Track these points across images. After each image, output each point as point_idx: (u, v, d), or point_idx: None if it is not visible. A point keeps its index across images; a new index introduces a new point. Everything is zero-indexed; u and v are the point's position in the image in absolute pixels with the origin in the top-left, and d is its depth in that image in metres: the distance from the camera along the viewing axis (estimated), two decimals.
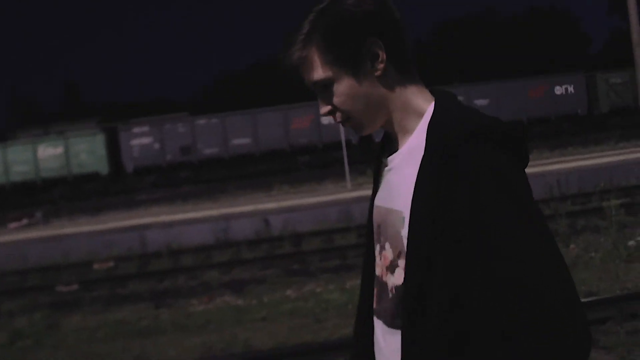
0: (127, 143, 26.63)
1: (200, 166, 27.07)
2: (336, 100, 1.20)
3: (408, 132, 1.22)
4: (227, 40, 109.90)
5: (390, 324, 1.22)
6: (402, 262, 1.18)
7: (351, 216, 12.22)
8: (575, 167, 14.51)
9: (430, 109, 1.20)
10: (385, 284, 1.25)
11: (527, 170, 1.18)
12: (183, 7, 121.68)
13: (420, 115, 1.20)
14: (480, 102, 27.26)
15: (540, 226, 1.08)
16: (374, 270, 1.31)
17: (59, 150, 26.53)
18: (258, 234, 11.82)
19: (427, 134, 1.15)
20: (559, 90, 27.72)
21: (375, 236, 1.31)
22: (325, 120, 27.52)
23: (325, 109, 1.23)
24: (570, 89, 27.73)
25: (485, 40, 39.47)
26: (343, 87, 1.19)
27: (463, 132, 1.10)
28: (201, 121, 27.11)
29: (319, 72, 1.19)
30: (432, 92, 1.24)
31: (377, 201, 1.31)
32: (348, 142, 27.32)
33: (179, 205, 18.46)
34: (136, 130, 26.84)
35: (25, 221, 18.68)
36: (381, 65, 1.18)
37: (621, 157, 15.21)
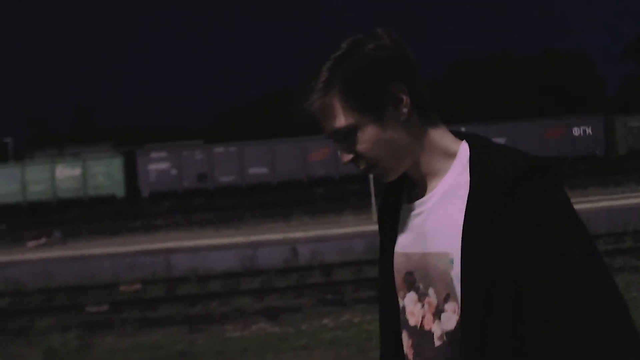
0: (145, 167, 26.74)
1: (216, 194, 27.10)
2: (360, 147, 1.16)
3: (439, 174, 1.19)
4: (243, 69, 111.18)
5: None
6: (450, 306, 1.14)
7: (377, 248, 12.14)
8: (603, 207, 14.43)
9: (463, 148, 1.18)
10: (428, 333, 1.18)
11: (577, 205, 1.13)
12: (202, 33, 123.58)
13: (451, 155, 1.18)
14: (497, 140, 27.28)
15: (602, 263, 1.06)
16: (397, 322, 1.26)
17: (77, 171, 26.67)
18: (286, 263, 11.73)
19: (471, 172, 1.13)
20: (576, 131, 27.76)
21: (400, 284, 1.25)
22: None
23: (347, 157, 1.18)
24: (589, 130, 27.77)
25: (501, 81, 39.75)
26: (368, 134, 1.15)
27: (522, 169, 1.07)
28: (219, 149, 27.24)
29: (342, 120, 1.14)
30: (457, 135, 1.23)
31: (403, 248, 1.25)
32: (365, 175, 27.52)
33: (198, 232, 18.42)
34: (154, 155, 26.98)
35: (43, 240, 18.66)
36: (405, 110, 1.16)
37: None
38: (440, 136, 1.20)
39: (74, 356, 7.44)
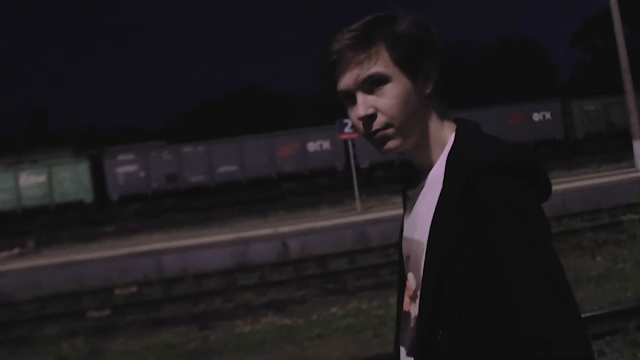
0: (112, 171, 26.33)
1: (186, 194, 26.91)
2: (384, 102, 1.16)
3: (431, 163, 1.22)
4: (204, 68, 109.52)
5: (409, 352, 1.23)
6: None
7: (367, 238, 12.38)
8: (574, 188, 15.01)
9: (451, 139, 1.21)
10: (408, 314, 1.25)
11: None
12: (159, 31, 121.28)
13: (444, 145, 1.21)
14: None
15: (552, 264, 1.05)
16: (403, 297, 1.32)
17: (42, 178, 26.05)
18: (279, 257, 11.84)
19: (445, 165, 1.16)
20: (536, 117, 28.63)
21: (405, 267, 1.30)
22: (312, 147, 27.81)
23: (366, 110, 1.16)
24: (548, 115, 28.68)
25: (459, 71, 40.53)
26: (397, 90, 1.15)
27: (482, 165, 1.08)
28: (187, 149, 27.03)
29: (381, 66, 1.15)
30: (455, 121, 1.25)
31: (405, 232, 1.31)
32: (333, 169, 27.75)
33: (176, 233, 18.30)
34: (121, 157, 26.58)
35: (17, 250, 18.24)
36: (431, 86, 1.19)
37: (615, 178, 15.80)
38: (444, 126, 1.22)
39: None
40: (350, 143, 19.09)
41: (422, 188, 1.23)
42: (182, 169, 26.71)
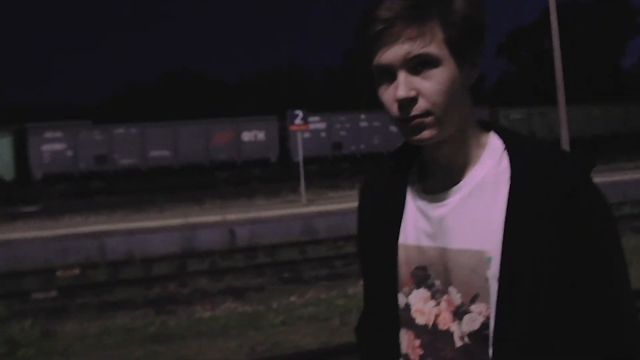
0: (37, 148, 25.17)
1: (116, 177, 26.13)
2: (431, 86, 1.04)
3: (468, 163, 1.13)
4: (139, 49, 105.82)
5: None
6: (477, 307, 1.08)
7: (315, 229, 12.57)
8: None
9: (493, 139, 1.13)
10: (446, 333, 1.13)
11: None
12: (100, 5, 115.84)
13: (482, 146, 1.13)
14: (394, 129, 28.66)
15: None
16: (393, 320, 1.19)
17: None
18: (228, 244, 11.82)
19: (513, 167, 1.08)
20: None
21: (406, 279, 1.18)
22: (246, 137, 27.62)
23: (409, 92, 1.04)
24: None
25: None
26: (447, 75, 1.04)
27: (583, 172, 1.06)
28: (119, 130, 26.23)
29: (433, 47, 1.04)
30: (479, 123, 1.17)
31: (415, 240, 1.17)
32: (266, 160, 27.74)
33: (108, 216, 17.79)
34: (48, 135, 25.44)
35: None
36: (475, 77, 1.11)
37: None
38: (476, 123, 1.14)
39: (41, 345, 7.17)
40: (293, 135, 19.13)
41: (458, 191, 1.12)
42: (113, 150, 25.91)
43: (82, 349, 7.02)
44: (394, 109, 1.06)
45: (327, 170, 28.18)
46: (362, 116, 28.66)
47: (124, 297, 8.86)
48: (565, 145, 16.72)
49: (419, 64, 1.04)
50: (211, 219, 12.81)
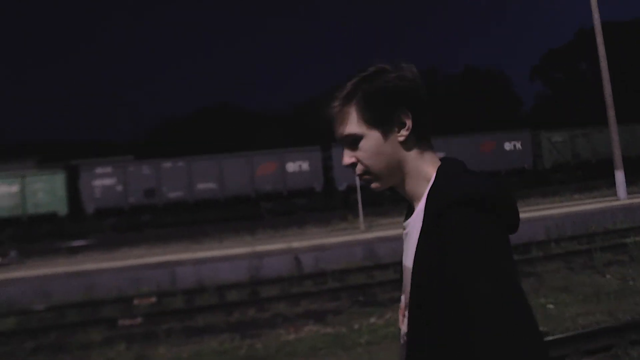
0: (89, 183, 25.91)
1: (164, 209, 26.67)
2: (361, 154, 1.36)
3: (418, 197, 1.36)
4: (168, 84, 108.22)
5: None
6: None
7: (376, 255, 12.71)
8: (564, 213, 15.76)
9: (434, 175, 1.35)
10: (401, 332, 1.42)
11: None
12: (125, 42, 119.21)
13: (428, 180, 1.35)
14: (437, 155, 28.78)
15: (505, 287, 1.16)
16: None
17: (14, 188, 25.40)
18: (294, 271, 12.04)
19: (426, 200, 1.31)
20: (507, 146, 29.74)
21: (404, 290, 1.44)
22: (290, 168, 28.05)
23: (348, 160, 1.38)
24: (518, 145, 29.82)
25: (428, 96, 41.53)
26: (370, 144, 1.34)
27: (447, 200, 1.23)
28: (166, 164, 26.84)
29: (353, 127, 1.35)
30: (441, 160, 1.40)
31: (403, 259, 1.44)
32: (311, 189, 28.04)
33: (165, 247, 18.20)
34: (99, 170, 26.19)
35: None
36: (406, 133, 1.34)
37: (599, 205, 16.66)
38: (426, 162, 1.37)
39: None
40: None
41: (412, 221, 1.37)
42: (161, 184, 26.51)
43: None
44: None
45: (370, 199, 28.35)
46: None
47: (206, 323, 9.08)
48: (618, 165, 16.68)
49: (349, 140, 1.37)
50: (276, 247, 13.06)
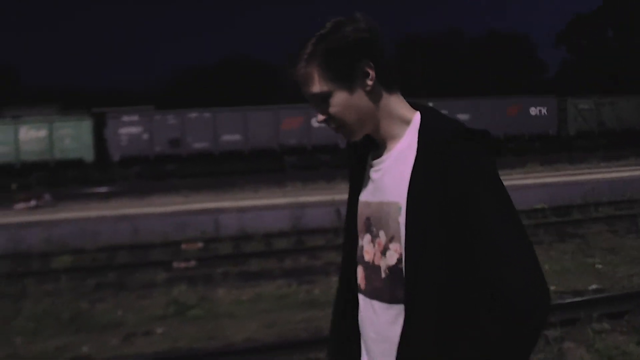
0: (115, 131, 26.05)
1: (189, 160, 26.84)
2: (332, 110, 1.38)
3: (395, 137, 1.41)
4: (193, 33, 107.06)
5: (388, 299, 1.40)
6: (393, 245, 1.38)
7: None
8: (600, 179, 15.82)
9: (416, 117, 1.40)
10: (377, 267, 1.43)
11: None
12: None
13: (406, 122, 1.41)
14: (462, 117, 28.70)
15: (514, 212, 1.30)
16: (354, 258, 1.52)
17: (43, 133, 25.60)
18: (334, 223, 12.20)
19: (419, 137, 1.36)
20: (533, 111, 29.57)
21: (361, 227, 1.49)
22: (316, 123, 28.05)
23: (321, 117, 1.42)
24: (544, 110, 29.65)
25: (450, 60, 41.27)
26: (338, 100, 1.37)
27: (455, 134, 1.31)
28: (192, 114, 26.92)
29: (318, 87, 1.37)
30: (413, 105, 1.45)
31: (365, 197, 1.48)
32: (335, 146, 28.09)
33: (195, 196, 18.40)
34: (125, 119, 26.32)
35: (33, 202, 18.03)
36: (371, 82, 1.37)
37: (634, 173, 16.69)
38: (399, 106, 1.42)
39: (204, 307, 7.63)
40: None
41: (389, 158, 1.41)
42: (186, 134, 26.61)
43: (242, 313, 7.46)
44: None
45: None
46: (430, 104, 28.63)
47: (260, 268, 9.29)
48: None
49: (317, 99, 1.39)
50: (317, 199, 13.22)
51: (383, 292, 1.41)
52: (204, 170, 26.62)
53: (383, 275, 1.41)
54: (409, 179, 1.34)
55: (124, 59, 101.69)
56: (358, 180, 1.54)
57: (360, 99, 1.38)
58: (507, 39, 45.37)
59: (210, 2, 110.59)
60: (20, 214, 15.91)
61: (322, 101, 1.39)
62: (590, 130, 30.23)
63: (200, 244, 11.01)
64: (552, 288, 7.32)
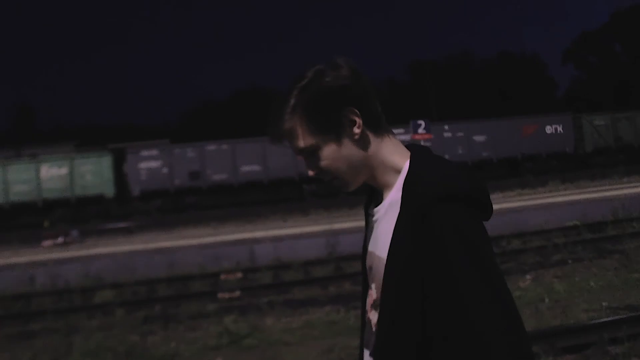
0: (135, 166, 26.25)
1: (209, 191, 26.96)
2: (322, 163, 1.32)
3: (389, 186, 1.34)
4: (204, 69, 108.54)
5: (371, 353, 1.36)
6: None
7: None
8: (628, 195, 15.76)
9: (406, 165, 1.32)
10: (369, 320, 1.39)
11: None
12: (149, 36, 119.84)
13: (398, 171, 1.33)
14: (479, 138, 28.79)
15: (495, 279, 1.19)
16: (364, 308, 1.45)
17: (64, 170, 25.83)
18: None
19: (402, 193, 1.27)
20: (549, 129, 29.61)
21: (368, 277, 1.43)
22: None
23: (311, 172, 1.36)
24: (560, 128, 29.68)
25: (462, 81, 41.50)
26: (327, 152, 1.31)
27: (432, 196, 1.21)
28: (211, 147, 27.11)
29: (303, 141, 1.31)
30: (408, 148, 1.38)
31: (369, 246, 1.42)
32: None
33: (221, 228, 18.47)
34: (144, 153, 26.53)
35: (61, 239, 18.15)
36: (358, 130, 1.31)
37: None
38: (390, 152, 1.35)
39: (256, 336, 7.62)
40: None
41: (382, 209, 1.35)
42: (206, 166, 26.78)
43: (296, 340, 7.44)
44: None
45: None
46: (446, 127, 28.84)
47: (305, 296, 9.29)
48: None
49: (305, 153, 1.33)
50: (350, 225, 13.24)
51: (371, 346, 1.36)
52: (224, 202, 26.71)
53: (373, 329, 1.35)
54: (391, 236, 1.28)
55: (138, 95, 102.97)
56: (367, 226, 1.48)
57: (349, 148, 1.31)
58: (517, 59, 45.71)
59: (223, 35, 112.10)
60: (50, 251, 16.03)
61: (310, 155, 1.33)
62: (608, 146, 30.18)
63: (239, 274, 11.03)
64: (604, 304, 7.32)
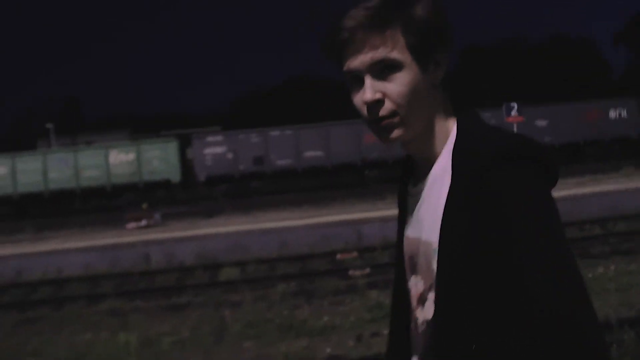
0: (201, 152, 26.64)
1: (273, 177, 27.26)
2: (394, 88, 1.10)
3: (435, 156, 1.16)
4: (255, 56, 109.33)
5: (422, 356, 1.18)
6: (431, 295, 1.13)
7: None
8: None
9: (453, 132, 1.15)
10: (416, 317, 1.20)
11: None
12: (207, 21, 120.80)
13: (446, 136, 1.16)
14: (541, 123, 28.49)
15: (566, 250, 1.02)
16: (405, 299, 1.26)
17: (131, 156, 26.37)
18: None
19: (453, 161, 1.10)
20: (612, 114, 29.15)
21: (407, 267, 1.24)
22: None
23: (375, 95, 1.10)
24: (624, 113, 29.20)
25: (513, 67, 41.09)
26: (408, 77, 1.10)
27: (493, 158, 1.03)
28: (274, 133, 27.36)
29: (395, 52, 1.09)
30: (455, 114, 1.18)
31: (408, 231, 1.24)
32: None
33: (300, 212, 18.66)
34: (210, 139, 26.90)
35: (144, 222, 18.54)
36: (441, 74, 1.15)
37: None
38: (447, 118, 1.17)
39: None
40: None
41: (426, 184, 1.16)
42: (270, 152, 27.05)
43: None
44: (364, 111, 1.12)
45: None
46: None
47: None
48: None
49: (383, 69, 1.10)
50: None
51: (420, 347, 1.20)
52: (287, 187, 26.99)
53: (421, 328, 1.18)
54: (442, 214, 1.09)
55: (187, 83, 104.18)
56: (401, 210, 1.30)
57: (426, 88, 1.12)
58: (571, 42, 45.02)
59: (278, 24, 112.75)
60: (139, 232, 16.41)
61: (383, 73, 1.11)
62: None
63: (355, 253, 11.19)
64: None
